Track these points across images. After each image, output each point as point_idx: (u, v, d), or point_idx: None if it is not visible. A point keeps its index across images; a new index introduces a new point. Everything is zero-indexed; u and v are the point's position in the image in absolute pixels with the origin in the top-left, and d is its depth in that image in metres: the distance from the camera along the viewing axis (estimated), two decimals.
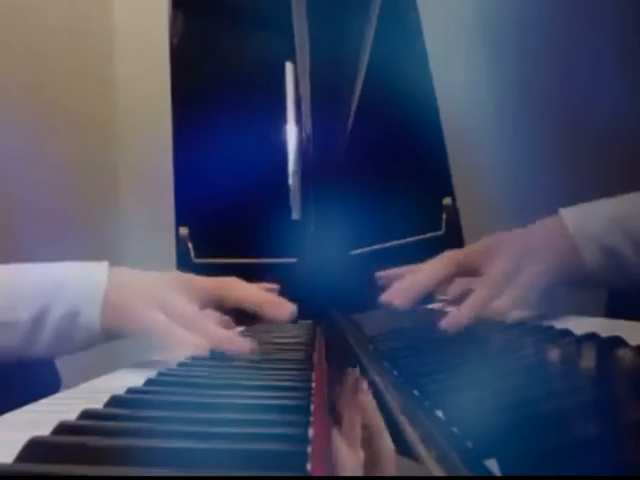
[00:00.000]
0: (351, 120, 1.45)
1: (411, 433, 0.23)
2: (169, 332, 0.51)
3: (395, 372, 0.39)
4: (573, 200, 0.67)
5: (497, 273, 0.56)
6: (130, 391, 0.37)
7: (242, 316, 1.05)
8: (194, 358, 0.56)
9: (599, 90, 1.03)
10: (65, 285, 0.52)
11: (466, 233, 1.26)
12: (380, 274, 0.86)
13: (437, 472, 0.19)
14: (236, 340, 0.54)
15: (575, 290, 0.58)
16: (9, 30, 1.12)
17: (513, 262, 0.56)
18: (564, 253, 0.54)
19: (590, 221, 0.54)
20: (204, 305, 0.59)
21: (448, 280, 0.63)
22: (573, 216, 0.55)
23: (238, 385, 0.39)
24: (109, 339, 0.55)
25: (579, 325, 0.43)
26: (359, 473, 0.23)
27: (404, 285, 0.62)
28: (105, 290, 0.52)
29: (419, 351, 0.45)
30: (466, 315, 0.55)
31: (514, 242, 0.59)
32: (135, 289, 0.55)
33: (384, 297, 0.62)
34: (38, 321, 0.50)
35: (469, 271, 0.61)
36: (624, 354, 0.31)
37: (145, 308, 0.53)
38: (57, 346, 0.52)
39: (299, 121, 1.54)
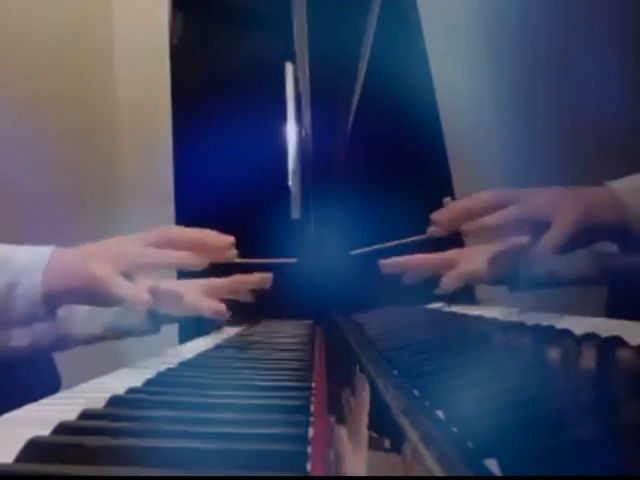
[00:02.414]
0: (351, 120, 1.45)
1: (411, 433, 0.23)
2: (108, 281, 0.51)
3: (395, 372, 0.39)
4: None
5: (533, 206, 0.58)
6: (130, 391, 0.37)
7: (242, 314, 1.05)
8: (194, 358, 0.56)
9: (600, 89, 1.03)
10: (8, 259, 0.53)
11: None
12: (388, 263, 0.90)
13: (437, 472, 0.19)
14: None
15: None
16: (9, 30, 1.12)
17: (552, 200, 0.57)
18: (605, 202, 0.55)
19: (631, 180, 0.57)
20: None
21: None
22: (616, 181, 0.58)
23: (238, 385, 0.39)
24: (56, 304, 0.54)
25: (579, 325, 0.43)
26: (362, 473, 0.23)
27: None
28: (49, 257, 0.53)
29: (419, 351, 0.45)
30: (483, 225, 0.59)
31: (553, 189, 0.60)
32: (79, 249, 0.57)
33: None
34: None
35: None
36: (624, 354, 0.31)
37: (85, 260, 0.53)
38: (1, 314, 0.51)
39: (299, 121, 1.54)
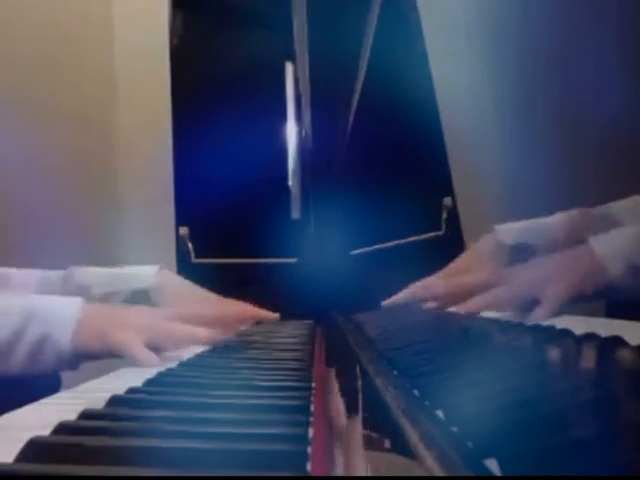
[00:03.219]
0: (351, 120, 1.45)
1: (411, 433, 0.23)
2: (134, 350, 0.56)
3: (395, 372, 0.39)
4: (573, 200, 0.67)
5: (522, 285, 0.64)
6: (130, 391, 0.37)
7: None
8: (194, 358, 0.56)
9: (600, 90, 1.03)
10: (41, 312, 0.58)
11: (466, 233, 1.26)
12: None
13: (437, 472, 0.19)
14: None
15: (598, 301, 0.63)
16: (8, 30, 1.12)
17: (538, 279, 0.63)
18: (588, 269, 0.60)
19: (613, 241, 0.61)
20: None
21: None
22: (597, 240, 0.62)
23: (238, 385, 0.39)
24: (83, 359, 0.60)
25: (579, 325, 0.43)
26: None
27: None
28: (79, 315, 0.58)
29: (419, 351, 0.45)
30: (477, 305, 0.66)
31: (538, 265, 0.67)
32: (112, 312, 0.62)
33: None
34: (14, 340, 0.56)
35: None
36: (624, 354, 0.31)
37: (115, 328, 0.58)
38: (31, 364, 0.57)
39: (299, 121, 1.54)
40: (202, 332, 0.63)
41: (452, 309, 0.77)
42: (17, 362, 0.56)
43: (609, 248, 0.60)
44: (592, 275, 0.59)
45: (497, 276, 0.70)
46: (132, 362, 0.55)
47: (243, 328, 0.87)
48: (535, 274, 0.65)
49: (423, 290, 0.89)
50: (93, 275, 0.83)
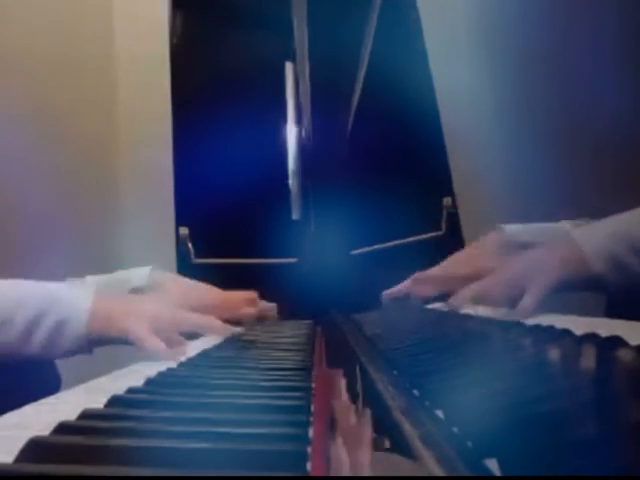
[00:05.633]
0: (351, 119, 1.45)
1: (411, 433, 0.23)
2: (144, 338, 0.59)
3: (395, 372, 0.39)
4: (571, 200, 0.67)
5: (509, 275, 0.67)
6: (130, 391, 0.37)
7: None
8: (194, 358, 0.56)
9: (599, 91, 1.03)
10: (59, 299, 0.63)
11: (466, 233, 1.26)
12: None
13: (437, 472, 0.19)
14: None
15: (581, 293, 0.64)
16: (8, 32, 1.12)
17: (526, 269, 0.66)
18: (572, 262, 0.62)
19: (596, 235, 0.63)
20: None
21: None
22: (580, 233, 0.64)
23: (238, 385, 0.39)
24: (96, 344, 0.64)
25: (579, 325, 0.43)
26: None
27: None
28: (92, 303, 0.63)
29: (419, 351, 0.45)
30: (467, 295, 0.70)
31: (526, 257, 0.69)
32: (119, 302, 0.66)
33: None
34: (33, 325, 0.60)
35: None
36: (624, 354, 0.31)
37: (125, 315, 0.63)
38: (49, 348, 0.61)
39: (299, 121, 1.54)
40: (203, 318, 0.67)
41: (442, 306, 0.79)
42: (38, 342, 0.60)
43: (592, 245, 0.61)
44: (577, 268, 0.61)
45: (488, 268, 0.73)
46: (139, 347, 0.59)
47: (246, 321, 0.90)
48: (522, 266, 0.67)
49: (421, 278, 0.93)
50: (92, 283, 0.85)
